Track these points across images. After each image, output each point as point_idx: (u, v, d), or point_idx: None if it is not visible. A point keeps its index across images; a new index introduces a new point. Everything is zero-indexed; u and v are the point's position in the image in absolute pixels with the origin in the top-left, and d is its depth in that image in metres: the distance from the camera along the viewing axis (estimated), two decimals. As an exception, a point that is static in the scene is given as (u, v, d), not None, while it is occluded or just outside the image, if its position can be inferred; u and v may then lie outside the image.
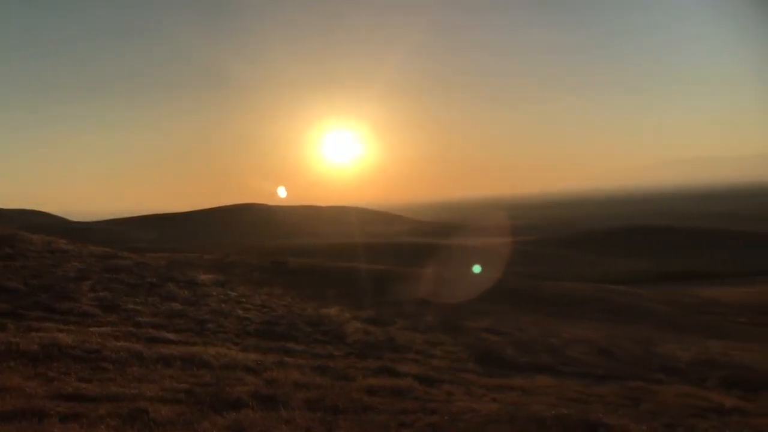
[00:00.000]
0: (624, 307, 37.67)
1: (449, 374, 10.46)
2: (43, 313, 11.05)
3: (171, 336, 10.62)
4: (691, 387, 11.54)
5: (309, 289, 22.23)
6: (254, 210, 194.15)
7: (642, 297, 45.49)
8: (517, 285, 41.71)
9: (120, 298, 13.52)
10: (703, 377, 13.23)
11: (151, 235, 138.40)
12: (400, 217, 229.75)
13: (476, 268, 43.60)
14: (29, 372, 7.27)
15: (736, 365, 15.91)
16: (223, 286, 18.44)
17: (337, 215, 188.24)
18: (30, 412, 5.76)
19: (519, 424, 6.93)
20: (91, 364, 7.90)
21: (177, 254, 33.51)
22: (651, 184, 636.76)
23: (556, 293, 40.29)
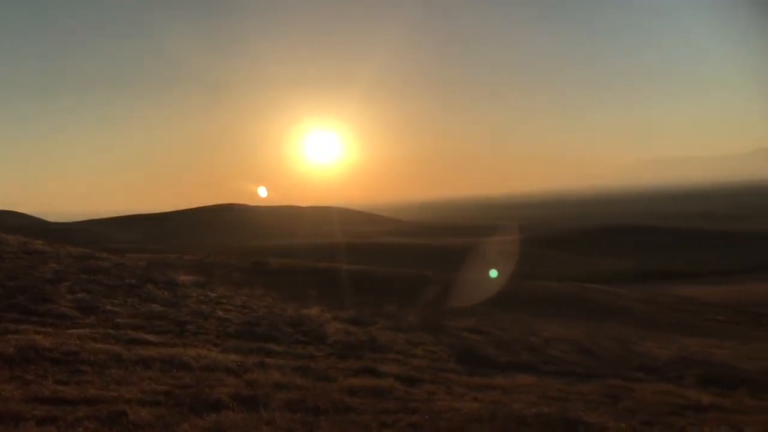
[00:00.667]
0: (604, 305, 38.04)
1: (430, 374, 10.48)
2: (20, 315, 10.89)
3: (150, 337, 10.52)
4: (669, 385, 11.66)
5: (290, 289, 22.15)
6: (235, 210, 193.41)
7: (622, 296, 45.97)
8: (499, 284, 41.90)
9: (98, 299, 13.37)
10: (681, 375, 13.38)
11: (131, 236, 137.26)
12: (381, 217, 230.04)
13: (493, 273, 43.56)
14: (5, 375, 7.17)
15: (713, 363, 16.12)
16: (203, 287, 18.32)
17: (319, 215, 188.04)
18: (6, 415, 5.68)
19: (500, 422, 6.96)
20: (69, 366, 7.81)
21: (157, 255, 33.28)
22: (630, 184, 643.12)
23: (538, 292, 40.56)
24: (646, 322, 33.16)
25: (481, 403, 8.07)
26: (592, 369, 13.37)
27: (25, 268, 15.65)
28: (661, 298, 50.66)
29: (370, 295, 25.47)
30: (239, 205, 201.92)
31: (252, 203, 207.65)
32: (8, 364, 7.61)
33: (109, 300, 13.54)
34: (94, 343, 9.20)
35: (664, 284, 71.06)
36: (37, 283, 14.02)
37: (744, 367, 15.84)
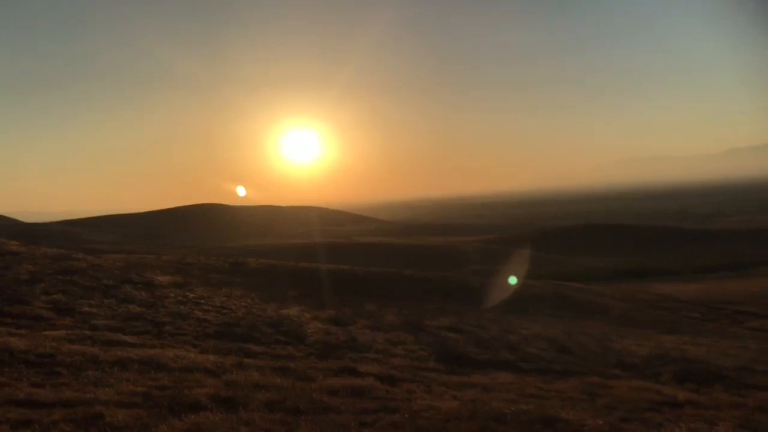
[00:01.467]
0: (582, 303, 38.33)
1: (410, 373, 10.50)
2: (-6, 318, 10.74)
3: (128, 339, 10.43)
4: (645, 381, 11.80)
5: (269, 290, 22.07)
6: (214, 210, 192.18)
7: (599, 294, 46.37)
8: (477, 283, 42.07)
9: (75, 300, 13.23)
10: (657, 372, 13.53)
11: (108, 237, 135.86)
12: (361, 216, 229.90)
13: (512, 280, 43.62)
14: (-21, 378, 7.07)
15: (688, 359, 16.32)
16: (181, 287, 18.19)
17: (298, 215, 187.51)
18: (-20, 419, 5.61)
19: (479, 420, 6.99)
20: (45, 368, 7.71)
21: (134, 255, 32.95)
22: (606, 184, 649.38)
23: (516, 291, 40.75)
24: (624, 319, 33.48)
25: (460, 402, 8.11)
26: (570, 366, 13.48)
27: (-1, 270, 15.44)
28: (638, 295, 51.18)
29: (350, 295, 25.44)
30: (218, 205, 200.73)
31: (231, 203, 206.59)
32: (-18, 367, 7.51)
33: (86, 301, 13.40)
34: (70, 344, 9.10)
35: (641, 282, 71.85)
36: (11, 284, 13.84)
37: (719, 363, 16.06)
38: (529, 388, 9.86)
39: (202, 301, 16.22)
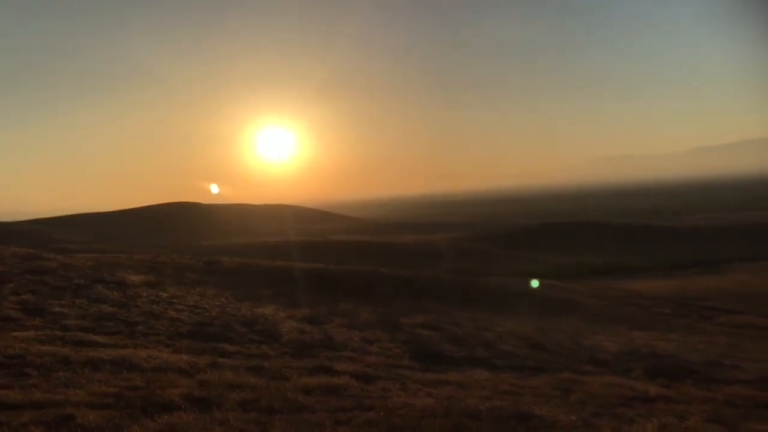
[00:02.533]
0: (554, 301, 38.73)
1: (385, 371, 10.51)
2: (-39, 319, 10.54)
3: (100, 339, 10.29)
4: (617, 377, 11.96)
5: (243, 288, 21.93)
6: (187, 209, 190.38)
7: (571, 291, 46.88)
8: (451, 281, 42.29)
9: (45, 301, 13.02)
10: (628, 368, 13.73)
11: (80, 236, 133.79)
12: (334, 215, 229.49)
13: (534, 283, 43.79)
14: (-54, 380, 6.93)
15: (659, 355, 16.58)
16: (154, 287, 18.00)
17: (272, 213, 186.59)
18: (-53, 422, 5.50)
19: (454, 417, 7.03)
20: (14, 370, 7.58)
21: (106, 255, 32.52)
22: (579, 182, 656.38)
23: (489, 288, 41.03)
24: (596, 316, 33.91)
25: (435, 399, 8.14)
26: (543, 363, 13.61)
27: (-34, 270, 15.14)
28: (609, 292, 51.85)
29: (325, 294, 25.39)
30: (191, 203, 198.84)
31: (204, 201, 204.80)
32: (-51, 369, 7.36)
33: (56, 301, 13.20)
34: (40, 345, 8.95)
35: (612, 279, 72.77)
36: (-21, 284, 13.58)
37: (688, 358, 16.35)
38: (503, 385, 9.93)
39: (176, 300, 16.07)
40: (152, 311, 13.83)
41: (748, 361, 17.41)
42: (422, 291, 33.20)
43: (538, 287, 43.64)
